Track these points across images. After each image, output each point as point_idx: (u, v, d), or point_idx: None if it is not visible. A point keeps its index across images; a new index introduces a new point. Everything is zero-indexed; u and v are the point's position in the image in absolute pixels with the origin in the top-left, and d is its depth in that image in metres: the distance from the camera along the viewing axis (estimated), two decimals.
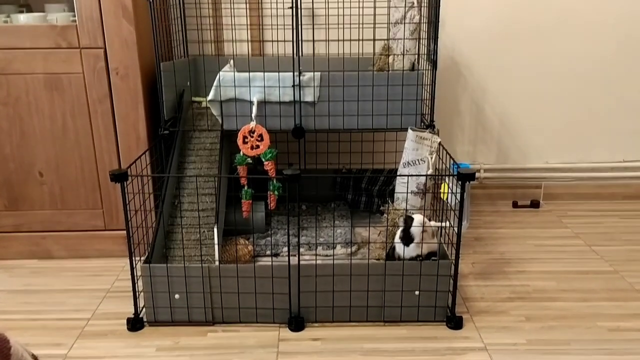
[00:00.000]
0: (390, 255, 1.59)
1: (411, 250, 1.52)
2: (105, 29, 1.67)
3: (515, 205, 2.31)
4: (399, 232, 1.55)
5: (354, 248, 1.81)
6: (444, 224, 1.56)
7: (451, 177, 1.51)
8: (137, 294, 1.50)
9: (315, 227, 1.92)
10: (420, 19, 1.72)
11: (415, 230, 1.49)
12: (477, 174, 2.29)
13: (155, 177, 1.76)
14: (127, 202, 1.44)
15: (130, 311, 1.52)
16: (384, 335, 1.47)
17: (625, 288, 1.68)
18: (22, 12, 1.87)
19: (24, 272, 1.81)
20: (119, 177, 1.41)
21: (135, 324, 1.50)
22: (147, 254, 1.55)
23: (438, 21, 1.68)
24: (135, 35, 1.69)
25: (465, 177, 1.39)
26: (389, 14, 1.84)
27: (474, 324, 1.51)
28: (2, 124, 1.75)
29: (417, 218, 1.50)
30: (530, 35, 2.18)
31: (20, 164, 1.79)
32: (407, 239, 1.50)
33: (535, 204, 2.30)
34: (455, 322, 1.49)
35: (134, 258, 1.48)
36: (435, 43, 1.70)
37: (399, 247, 1.53)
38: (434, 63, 1.72)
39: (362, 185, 2.12)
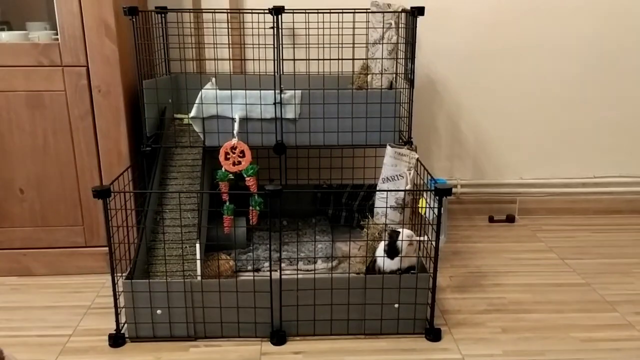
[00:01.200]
0: (371, 268, 1.62)
1: (392, 264, 1.55)
2: (88, 47, 1.69)
3: (491, 220, 2.36)
4: (381, 246, 1.58)
5: (334, 262, 1.84)
6: (422, 238, 1.59)
7: (429, 193, 1.55)
8: (118, 309, 1.51)
9: (296, 242, 1.94)
10: (397, 40, 1.78)
11: (401, 244, 1.52)
12: (454, 189, 2.35)
13: (137, 194, 1.77)
14: (110, 219, 1.45)
15: (111, 327, 1.52)
16: (365, 347, 1.49)
17: (597, 300, 1.73)
18: (2, 29, 1.88)
19: (4, 290, 1.80)
20: (102, 193, 1.42)
21: (116, 340, 1.50)
22: (128, 270, 1.55)
23: (415, 42, 1.74)
24: (118, 53, 1.71)
25: (442, 192, 1.43)
26: (367, 35, 1.89)
27: (452, 336, 1.54)
28: None
29: (405, 232, 1.53)
30: (503, 55, 2.26)
31: (0, 181, 1.78)
32: (392, 252, 1.53)
33: (510, 219, 2.36)
34: (434, 334, 1.52)
35: (115, 274, 1.48)
36: (412, 62, 1.76)
37: (380, 261, 1.56)
38: (411, 82, 1.77)
39: (342, 201, 2.15)
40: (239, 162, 1.72)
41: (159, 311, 1.50)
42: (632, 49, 2.27)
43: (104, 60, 1.71)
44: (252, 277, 1.52)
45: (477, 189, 2.39)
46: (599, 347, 1.49)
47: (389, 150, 1.73)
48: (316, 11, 1.82)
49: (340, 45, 1.90)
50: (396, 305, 1.52)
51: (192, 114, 1.73)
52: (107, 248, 1.47)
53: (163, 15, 1.93)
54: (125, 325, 1.52)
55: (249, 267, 1.80)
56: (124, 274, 1.53)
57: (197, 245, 1.58)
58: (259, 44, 1.93)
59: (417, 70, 2.19)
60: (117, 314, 1.51)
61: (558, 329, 1.58)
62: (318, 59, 1.94)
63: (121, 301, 1.50)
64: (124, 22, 1.72)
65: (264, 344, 1.51)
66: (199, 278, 1.55)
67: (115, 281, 1.48)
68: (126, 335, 1.52)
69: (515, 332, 1.56)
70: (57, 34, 1.70)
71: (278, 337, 1.51)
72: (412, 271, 1.55)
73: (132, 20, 1.66)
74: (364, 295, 1.51)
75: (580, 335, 1.54)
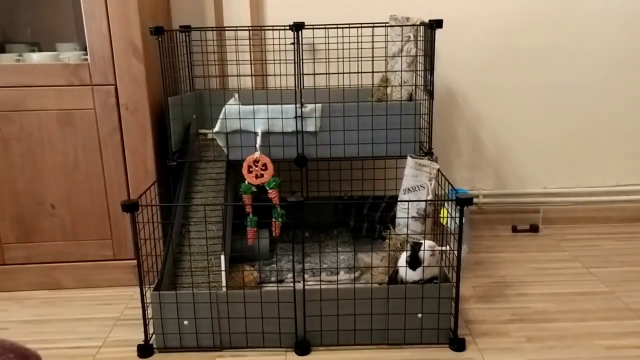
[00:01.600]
0: (393, 278, 1.63)
1: (414, 275, 1.56)
2: (116, 66, 1.75)
3: (514, 229, 2.35)
4: (403, 256, 1.59)
5: (357, 273, 1.86)
6: (444, 248, 1.60)
7: (450, 202, 1.56)
8: (146, 320, 1.54)
9: (319, 254, 1.96)
10: (416, 52, 1.81)
11: (423, 255, 1.53)
12: (475, 200, 2.35)
13: (163, 207, 1.81)
14: (138, 232, 1.49)
15: (140, 338, 1.56)
16: (389, 357, 1.50)
17: (621, 308, 1.72)
18: (33, 50, 1.96)
19: (35, 303, 1.85)
20: (130, 207, 1.46)
21: (145, 350, 1.54)
22: (156, 281, 1.59)
23: (434, 54, 1.76)
24: (145, 71, 1.76)
25: (463, 201, 1.45)
26: (386, 48, 1.92)
27: (476, 346, 1.54)
28: (15, 159, 1.81)
29: (427, 243, 1.54)
30: (523, 65, 2.26)
31: (32, 198, 1.85)
32: (415, 263, 1.54)
33: (534, 229, 2.35)
34: (458, 344, 1.53)
35: (143, 286, 1.52)
36: (432, 74, 1.78)
37: (402, 271, 1.58)
38: (430, 93, 1.80)
39: (363, 212, 2.17)
40: (262, 175, 1.76)
41: (185, 322, 1.53)
42: None
43: (132, 79, 1.76)
44: (276, 288, 1.55)
45: (499, 199, 2.39)
46: (623, 355, 1.48)
47: (409, 161, 1.74)
48: (335, 26, 1.86)
49: (359, 59, 1.93)
50: (419, 315, 1.53)
51: (216, 128, 1.78)
52: (134, 261, 1.51)
53: (187, 33, 1.99)
54: (153, 336, 1.56)
55: (273, 279, 1.83)
56: (151, 286, 1.57)
57: (222, 257, 1.61)
58: (279, 60, 1.98)
59: (437, 82, 2.22)
60: (145, 325, 1.54)
61: (583, 337, 1.57)
62: (338, 73, 1.98)
63: (149, 312, 1.54)
64: (150, 42, 1.78)
65: (289, 354, 1.53)
66: (224, 289, 1.58)
67: (144, 292, 1.52)
68: (154, 346, 1.55)
69: (540, 341, 1.56)
70: (86, 55, 1.76)
71: (302, 347, 1.53)
72: (434, 281, 1.56)
73: (158, 40, 1.72)
74: (387, 305, 1.52)
75: (605, 343, 1.53)
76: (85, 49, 1.76)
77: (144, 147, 1.82)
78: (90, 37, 1.72)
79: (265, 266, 1.90)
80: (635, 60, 2.27)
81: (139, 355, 1.54)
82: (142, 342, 1.55)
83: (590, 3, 2.21)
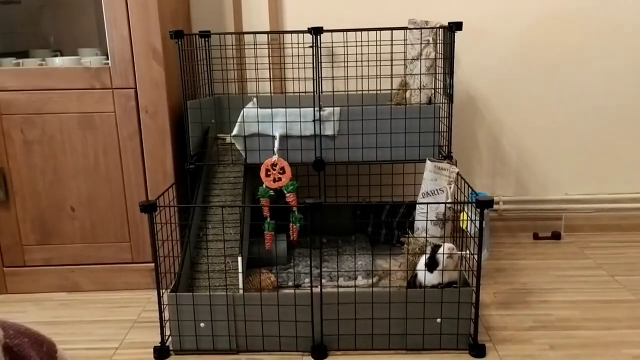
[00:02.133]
0: (412, 283, 1.61)
1: (433, 278, 1.54)
2: (137, 70, 1.77)
3: (535, 237, 2.31)
4: (422, 260, 1.57)
5: (375, 279, 1.83)
6: (464, 252, 1.58)
7: (470, 205, 1.53)
8: (163, 322, 1.54)
9: (337, 256, 1.95)
10: (435, 55, 1.79)
11: (440, 256, 1.51)
12: (496, 207, 2.31)
13: (181, 210, 1.82)
14: (155, 233, 1.49)
15: (156, 340, 1.55)
16: None
17: None
18: (56, 55, 1.99)
19: (53, 305, 1.86)
20: (148, 208, 1.47)
21: (161, 352, 1.53)
22: (173, 283, 1.59)
23: (453, 57, 1.75)
24: (164, 75, 1.78)
25: (483, 204, 1.42)
26: (405, 51, 1.91)
27: (497, 352, 1.51)
28: (36, 162, 1.84)
29: (447, 245, 1.52)
30: (544, 70, 2.23)
31: (53, 200, 1.87)
32: (432, 264, 1.52)
33: (556, 236, 2.30)
34: (478, 350, 1.49)
35: (160, 287, 1.52)
36: (451, 77, 1.76)
37: (421, 275, 1.55)
38: (450, 97, 1.78)
39: (382, 218, 2.15)
40: (280, 179, 1.75)
41: (202, 324, 1.52)
42: None
43: (152, 82, 1.78)
44: (293, 291, 1.53)
45: (520, 205, 2.34)
46: None
47: (428, 164, 1.72)
48: (354, 30, 1.86)
49: (378, 63, 1.92)
50: (438, 320, 1.50)
51: (234, 132, 1.78)
52: (153, 264, 1.51)
53: (206, 38, 2.00)
54: (170, 338, 1.55)
55: (290, 283, 1.81)
56: (168, 288, 1.57)
57: (239, 259, 1.61)
58: (298, 64, 1.98)
59: (457, 88, 2.20)
60: (162, 327, 1.54)
61: (608, 346, 1.52)
62: (356, 77, 1.97)
63: (166, 314, 1.53)
64: (170, 46, 1.80)
65: (305, 357, 1.51)
66: (240, 291, 1.57)
67: (161, 294, 1.52)
68: (170, 348, 1.55)
69: (564, 349, 1.51)
70: (107, 59, 1.78)
71: (319, 351, 1.51)
72: (454, 285, 1.53)
73: (177, 44, 1.73)
74: (405, 309, 1.50)
75: (632, 352, 1.48)
76: (107, 55, 1.78)
77: (163, 151, 1.83)
78: (111, 41, 1.75)
79: (282, 271, 1.88)
80: None
81: (155, 357, 1.53)
82: (159, 344, 1.54)
83: (612, 8, 2.18)
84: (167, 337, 1.55)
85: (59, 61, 1.88)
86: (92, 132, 1.82)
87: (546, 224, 2.33)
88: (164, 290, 1.53)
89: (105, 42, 1.76)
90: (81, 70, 1.78)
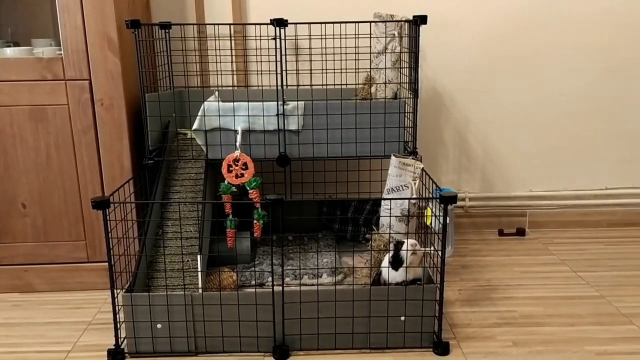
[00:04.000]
0: (376, 281, 1.58)
1: (397, 276, 1.51)
2: (91, 60, 1.69)
3: (501, 233, 2.31)
4: (387, 257, 1.54)
5: (340, 276, 1.80)
6: (427, 249, 1.55)
7: (434, 201, 1.51)
8: (118, 324, 1.47)
9: (299, 254, 1.91)
10: (401, 50, 1.77)
11: (404, 254, 1.48)
12: (462, 203, 2.31)
13: (139, 207, 1.75)
14: (110, 231, 1.43)
15: (111, 343, 1.49)
16: None
17: (612, 312, 1.67)
18: (9, 46, 1.90)
19: (5, 306, 1.77)
20: (101, 204, 1.40)
21: (115, 355, 1.47)
22: (129, 283, 1.53)
23: (418, 51, 1.72)
24: (121, 66, 1.71)
25: (447, 199, 1.40)
26: (370, 45, 1.88)
27: (461, 350, 1.49)
28: None
29: (409, 242, 1.50)
30: (511, 67, 2.23)
31: (3, 197, 1.78)
32: (396, 263, 1.49)
33: (520, 232, 2.31)
34: (442, 348, 1.47)
35: (115, 287, 1.45)
36: (416, 72, 1.74)
37: (385, 272, 1.53)
38: (415, 91, 1.75)
39: (348, 215, 2.12)
40: (242, 175, 1.71)
41: (159, 325, 1.46)
42: None
43: (107, 73, 1.71)
44: (253, 290, 1.49)
45: (486, 202, 2.35)
46: None
47: (393, 160, 1.70)
48: (318, 23, 1.82)
49: (343, 57, 1.89)
50: (402, 318, 1.47)
51: (195, 126, 1.72)
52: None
53: (167, 30, 1.93)
54: (125, 340, 1.49)
55: (253, 282, 1.76)
56: (124, 288, 1.51)
57: (199, 257, 1.55)
58: (261, 56, 1.93)
59: (424, 84, 2.18)
60: (116, 329, 1.48)
61: (572, 342, 1.52)
62: (321, 71, 1.93)
63: (121, 316, 1.47)
64: (127, 37, 1.73)
65: (267, 358, 1.47)
66: (200, 291, 1.52)
67: (115, 294, 1.46)
68: (125, 351, 1.49)
69: (527, 345, 1.51)
70: (61, 49, 1.71)
71: (281, 352, 1.47)
72: (418, 282, 1.51)
73: (134, 34, 1.67)
74: (369, 307, 1.47)
75: (595, 349, 1.48)
76: (60, 44, 1.70)
77: (119, 145, 1.76)
78: (64, 30, 1.67)
79: (245, 269, 1.83)
80: (623, 65, 2.24)
81: None
82: (113, 347, 1.48)
83: (579, 8, 2.19)
84: (122, 339, 1.49)
85: (10, 51, 1.79)
86: (44, 126, 1.73)
87: (511, 221, 2.34)
88: (119, 291, 1.47)
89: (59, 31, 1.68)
90: (32, 61, 1.70)
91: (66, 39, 1.68)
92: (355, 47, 1.88)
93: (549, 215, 2.35)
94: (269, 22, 1.70)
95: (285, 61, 1.71)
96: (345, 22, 1.80)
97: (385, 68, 1.76)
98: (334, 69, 1.93)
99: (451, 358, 1.46)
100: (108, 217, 1.41)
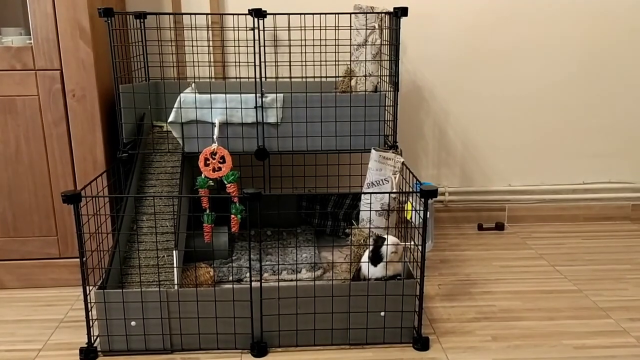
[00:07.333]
0: (356, 276, 1.56)
1: (377, 271, 1.49)
2: (62, 50, 1.64)
3: (480, 227, 2.31)
4: (366, 253, 1.52)
5: (319, 272, 1.78)
6: (408, 244, 1.54)
7: (414, 195, 1.50)
8: (90, 322, 1.43)
9: (277, 251, 1.88)
10: (381, 42, 1.74)
11: (384, 250, 1.46)
12: (441, 197, 2.30)
13: (112, 201, 1.70)
14: (81, 225, 1.38)
15: (83, 341, 1.45)
16: (350, 358, 1.43)
17: (590, 306, 1.68)
18: None
19: None
20: (72, 198, 1.35)
21: (88, 354, 1.43)
22: (102, 280, 1.49)
23: (399, 44, 1.71)
24: (93, 56, 1.65)
25: (427, 193, 1.38)
26: (351, 38, 1.85)
27: (440, 345, 1.48)
28: None
29: (390, 239, 1.48)
30: (490, 61, 2.23)
31: None
32: (376, 259, 1.48)
33: (499, 226, 2.31)
34: (421, 344, 1.46)
35: (87, 284, 1.41)
36: (397, 65, 1.72)
37: (364, 268, 1.51)
38: (395, 84, 1.74)
39: (328, 210, 2.10)
40: (219, 169, 1.67)
41: (133, 323, 1.43)
42: (620, 53, 2.25)
43: (79, 63, 1.65)
44: (231, 286, 1.46)
45: (465, 196, 2.34)
46: (593, 355, 1.44)
47: (373, 154, 1.68)
48: (298, 14, 1.78)
49: (322, 49, 1.86)
50: (382, 314, 1.46)
51: (171, 118, 1.68)
52: None
53: (142, 19, 1.88)
54: (98, 338, 1.45)
55: (230, 278, 1.73)
56: (97, 284, 1.46)
57: (175, 253, 1.52)
58: (239, 47, 1.89)
59: (404, 77, 2.17)
60: (88, 327, 1.43)
61: (550, 336, 1.52)
62: (301, 63, 1.90)
63: (94, 313, 1.43)
64: (100, 26, 1.67)
65: (244, 356, 1.44)
66: (175, 287, 1.48)
67: (87, 291, 1.41)
68: (98, 349, 1.45)
69: (506, 340, 1.50)
70: (31, 38, 1.65)
71: (259, 349, 1.44)
72: (398, 278, 1.49)
73: (107, 22, 1.61)
74: (348, 303, 1.45)
75: (573, 343, 1.49)
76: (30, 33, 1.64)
77: (92, 138, 1.71)
78: (34, 18, 1.61)
79: (222, 265, 1.80)
80: (601, 59, 2.26)
81: (81, 359, 1.42)
82: (85, 345, 1.44)
83: (558, 2, 2.19)
84: (95, 337, 1.45)
85: None
86: (13, 117, 1.67)
87: (490, 215, 2.34)
88: (91, 287, 1.42)
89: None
90: (1, 50, 1.64)
91: (36, 27, 1.62)
92: (335, 39, 1.85)
93: (527, 210, 2.36)
94: (247, 12, 1.67)
95: (264, 53, 1.68)
96: (325, 14, 1.77)
97: (366, 61, 1.74)
98: (314, 61, 1.90)
99: (431, 353, 1.45)
100: (80, 211, 1.37)
